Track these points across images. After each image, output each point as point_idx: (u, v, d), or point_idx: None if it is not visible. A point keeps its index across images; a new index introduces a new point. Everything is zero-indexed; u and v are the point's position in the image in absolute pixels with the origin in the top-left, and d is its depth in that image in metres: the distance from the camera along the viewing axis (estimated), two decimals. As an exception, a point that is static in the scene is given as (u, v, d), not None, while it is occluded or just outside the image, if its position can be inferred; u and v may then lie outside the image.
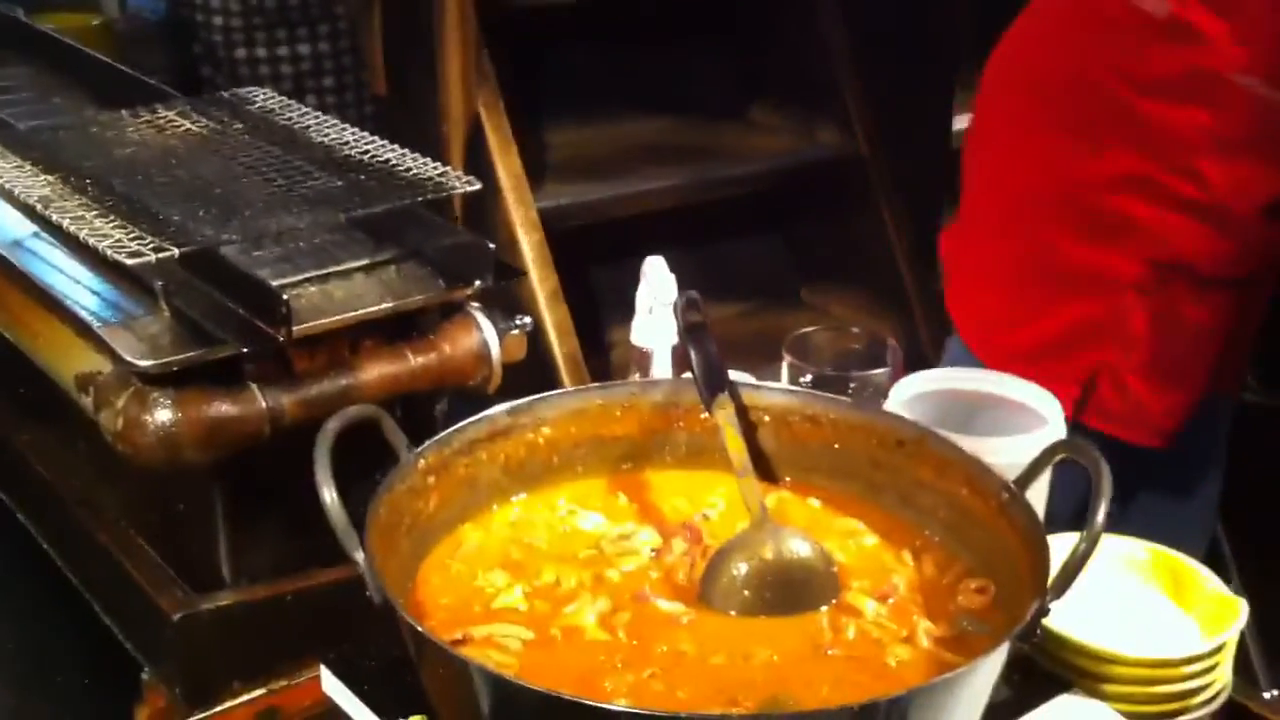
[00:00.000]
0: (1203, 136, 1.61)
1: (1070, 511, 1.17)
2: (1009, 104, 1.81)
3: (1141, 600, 1.23)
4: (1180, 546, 1.77)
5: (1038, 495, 1.20)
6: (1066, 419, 1.69)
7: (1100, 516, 0.97)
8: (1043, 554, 0.99)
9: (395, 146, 1.44)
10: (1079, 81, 1.69)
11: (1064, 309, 1.73)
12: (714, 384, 1.18)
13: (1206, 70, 1.59)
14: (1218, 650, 1.14)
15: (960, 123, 3.00)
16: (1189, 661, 1.13)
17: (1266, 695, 1.83)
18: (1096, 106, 1.66)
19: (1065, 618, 1.11)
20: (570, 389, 1.22)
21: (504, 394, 1.26)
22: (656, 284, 1.35)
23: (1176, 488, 1.83)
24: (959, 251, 1.93)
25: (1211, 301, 1.68)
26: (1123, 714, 1.12)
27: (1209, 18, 1.57)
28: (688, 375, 1.19)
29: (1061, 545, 1.01)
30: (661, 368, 1.37)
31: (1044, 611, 0.96)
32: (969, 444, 1.15)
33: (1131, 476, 1.76)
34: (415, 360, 1.25)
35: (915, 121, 3.04)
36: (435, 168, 1.39)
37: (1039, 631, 0.96)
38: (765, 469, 1.21)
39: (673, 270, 1.39)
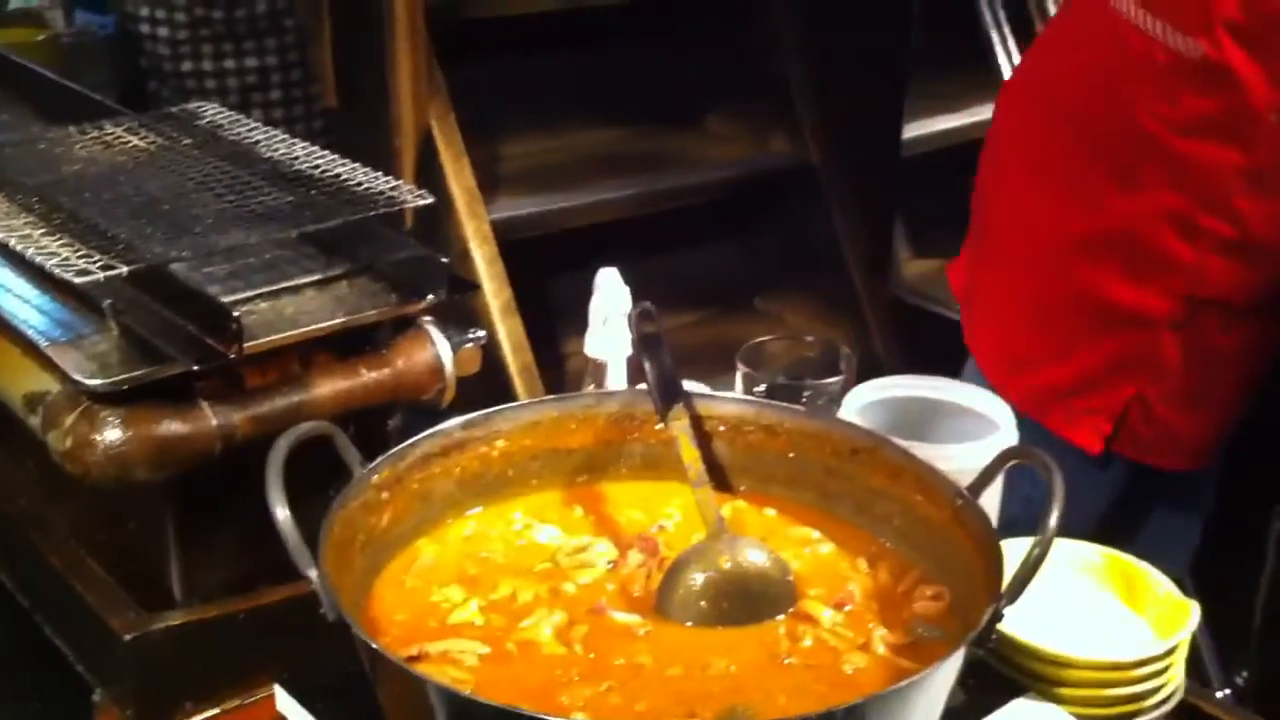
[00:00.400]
0: (1238, 175, 1.59)
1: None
2: (1030, 139, 1.79)
3: (1094, 603, 1.24)
4: (1175, 556, 1.79)
5: (991, 500, 1.21)
6: (1093, 452, 1.73)
7: (1053, 521, 0.97)
8: (996, 559, 1.00)
9: (346, 160, 1.43)
10: (1111, 119, 1.66)
11: (1096, 346, 1.71)
12: (669, 395, 1.18)
13: (1241, 110, 1.57)
14: (1170, 652, 1.15)
15: (911, 131, 3.02)
16: (1142, 664, 1.14)
17: (1219, 695, 1.85)
18: (1131, 145, 1.64)
19: (1019, 622, 1.12)
20: (525, 401, 1.22)
21: (458, 407, 1.26)
22: (610, 295, 1.35)
23: (1185, 504, 1.83)
24: (976, 286, 1.90)
25: (1241, 330, 1.68)
26: (1077, 717, 1.12)
27: (1242, 58, 1.54)
28: (642, 386, 1.19)
29: (1014, 550, 1.01)
30: (616, 379, 1.36)
31: (998, 616, 0.96)
32: (922, 451, 1.16)
33: (1147, 496, 1.78)
34: (368, 375, 1.24)
35: (867, 130, 3.06)
36: (387, 181, 1.38)
37: (994, 636, 0.97)
38: (721, 479, 1.21)
39: (626, 280, 1.39)
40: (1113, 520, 1.73)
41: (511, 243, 2.59)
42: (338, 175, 1.41)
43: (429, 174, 2.53)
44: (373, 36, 2.49)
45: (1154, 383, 1.69)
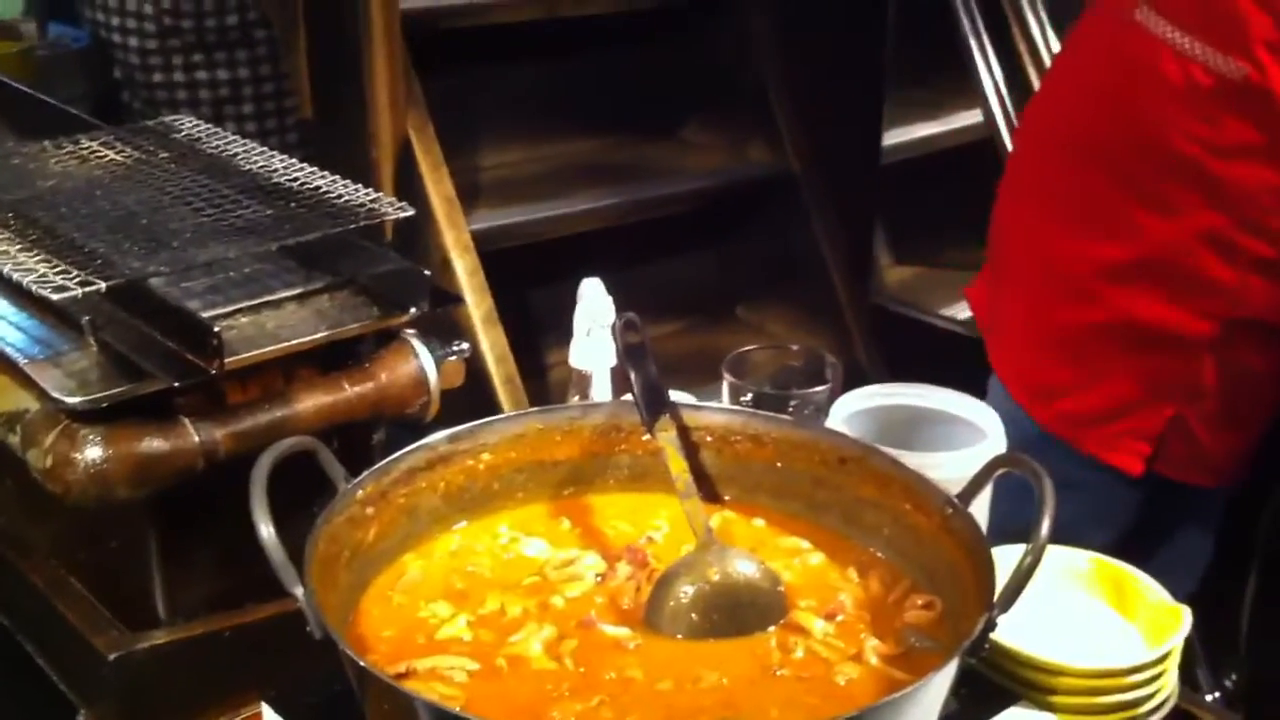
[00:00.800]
0: (1277, 195, 1.58)
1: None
2: (1052, 168, 1.77)
3: (1085, 611, 1.23)
4: (1192, 570, 1.78)
5: (980, 509, 1.21)
6: (1133, 474, 1.71)
7: (1045, 528, 0.97)
8: (988, 567, 0.99)
9: (325, 173, 1.42)
10: (1142, 144, 1.64)
11: (1132, 370, 1.70)
12: (655, 405, 1.17)
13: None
14: (1163, 659, 1.14)
15: (891, 138, 3.02)
16: (1135, 671, 1.13)
17: (1208, 699, 1.85)
18: (1165, 169, 1.62)
19: (1011, 630, 1.11)
20: (510, 414, 1.21)
21: (440, 420, 1.25)
22: (594, 306, 1.34)
23: (1206, 519, 1.83)
24: (998, 315, 1.88)
25: (1277, 349, 1.67)
26: (1071, 725, 1.12)
27: None
28: (628, 397, 1.18)
29: (1004, 558, 1.01)
30: (601, 390, 1.35)
31: (992, 625, 0.95)
32: (911, 460, 1.15)
33: (1171, 512, 1.77)
34: (351, 389, 1.23)
35: (846, 138, 3.06)
36: (367, 194, 1.37)
37: (986, 645, 0.96)
38: (708, 489, 1.20)
39: (607, 290, 1.38)
40: (1134, 537, 1.72)
41: (491, 253, 2.58)
42: (317, 188, 1.40)
43: (408, 185, 2.51)
44: (349, 47, 2.48)
45: (1192, 403, 1.68)
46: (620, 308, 1.29)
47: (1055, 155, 1.77)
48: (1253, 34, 1.53)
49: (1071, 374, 1.74)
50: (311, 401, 1.21)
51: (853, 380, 1.43)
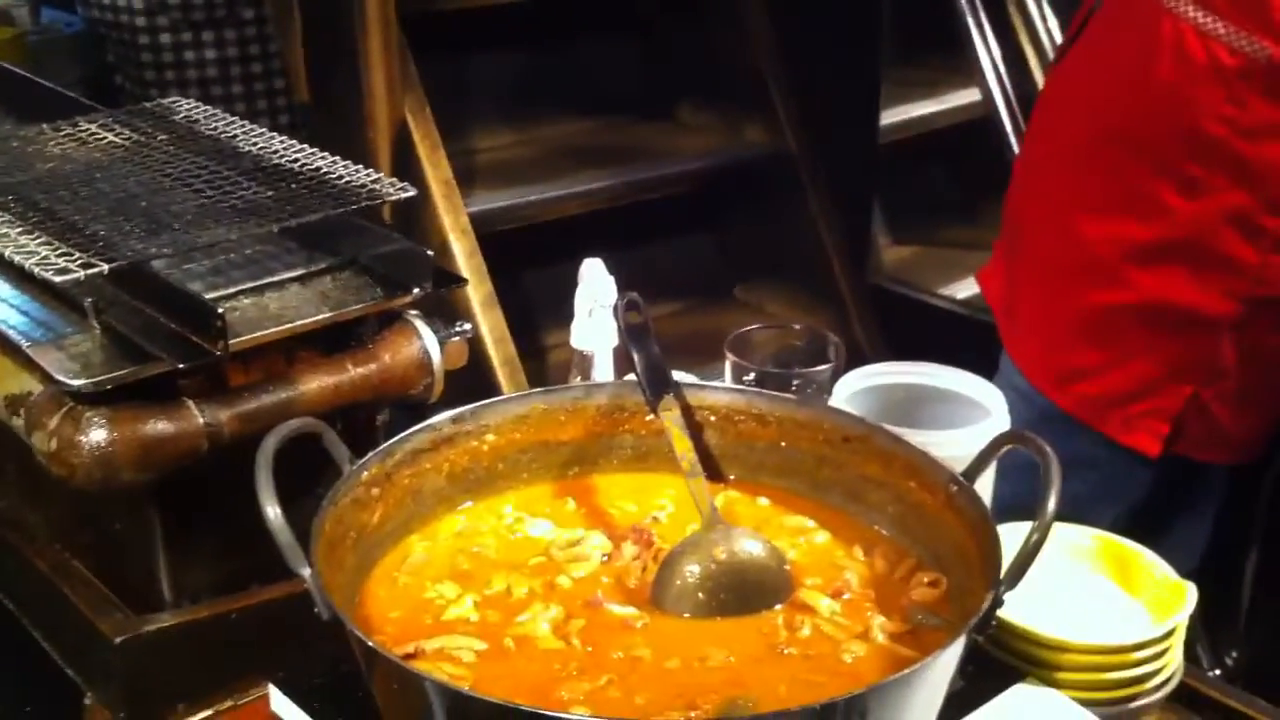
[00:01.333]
0: None
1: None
2: (1075, 150, 1.76)
3: (1090, 588, 1.23)
4: (1196, 547, 1.78)
5: (984, 486, 1.21)
6: (1151, 454, 1.71)
7: (1051, 505, 0.97)
8: (994, 545, 0.99)
9: (325, 154, 1.42)
10: (1169, 126, 1.63)
11: (1155, 351, 1.70)
12: (658, 385, 1.17)
13: None
14: (1168, 635, 1.15)
15: (888, 117, 3.02)
16: (1140, 647, 1.13)
17: (1210, 675, 1.85)
18: (1194, 150, 1.61)
19: (1016, 607, 1.11)
20: (514, 394, 1.21)
21: (444, 402, 1.25)
22: (595, 286, 1.33)
23: (1214, 497, 1.83)
24: (1017, 299, 1.86)
25: None
26: (1077, 701, 1.12)
27: None
28: (631, 377, 1.18)
29: (1010, 536, 1.01)
30: (603, 370, 1.35)
31: (999, 603, 0.96)
32: (915, 438, 1.15)
33: (1185, 491, 1.77)
34: (355, 371, 1.23)
35: (843, 118, 3.05)
36: (368, 174, 1.36)
37: (993, 622, 0.96)
38: (712, 469, 1.21)
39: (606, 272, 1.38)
40: (1143, 515, 1.73)
41: (489, 235, 2.57)
42: (317, 169, 1.39)
43: (405, 168, 2.51)
44: (344, 31, 2.47)
45: (1210, 382, 1.69)
46: (620, 289, 1.29)
47: (1078, 137, 1.76)
48: (1275, 14, 1.52)
49: (1094, 356, 1.74)
50: (315, 383, 1.20)
51: (853, 360, 1.43)
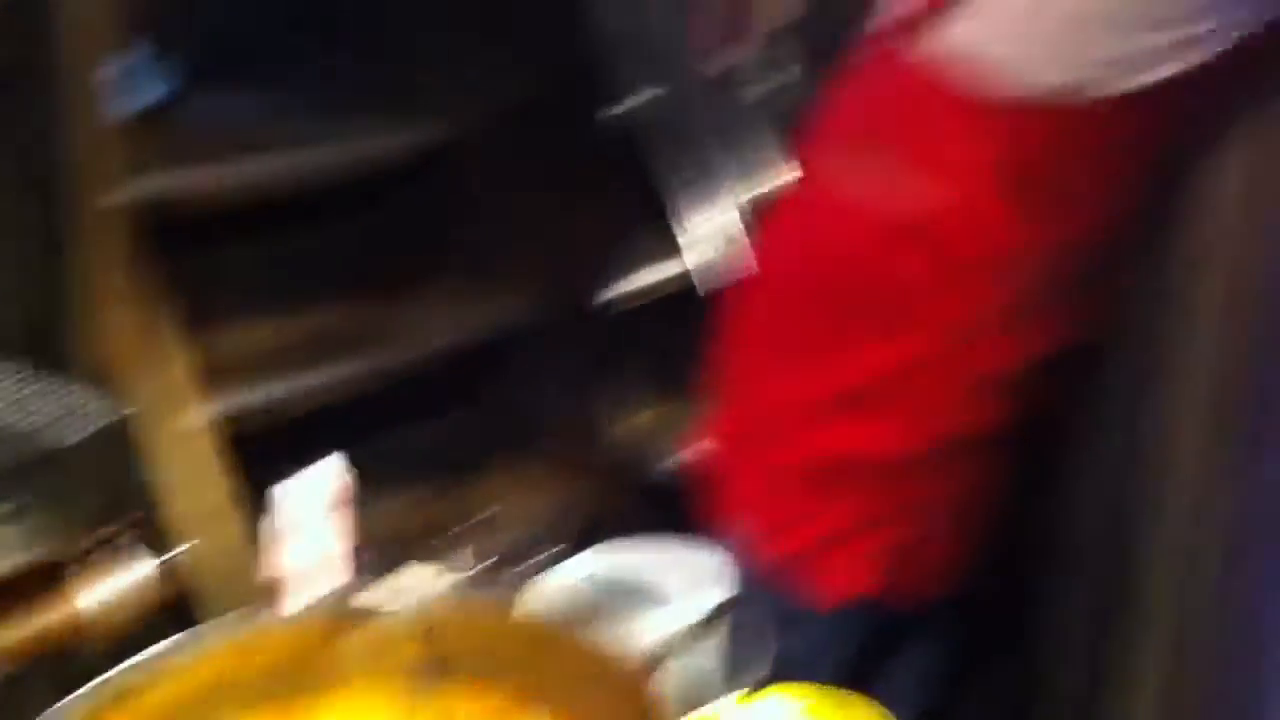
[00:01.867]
0: (995, 314, 1.63)
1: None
2: (774, 305, 1.80)
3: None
4: (928, 690, 1.81)
5: (707, 656, 1.23)
6: (860, 599, 1.69)
7: (753, 676, 0.99)
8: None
9: (37, 380, 1.39)
10: (853, 277, 1.68)
11: (856, 498, 1.72)
12: (364, 595, 1.17)
13: (996, 252, 1.59)
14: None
15: (620, 287, 3.08)
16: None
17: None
18: (877, 298, 1.67)
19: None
20: (222, 619, 1.19)
21: (151, 635, 1.22)
22: (305, 498, 1.33)
23: (934, 633, 1.86)
24: (722, 451, 1.87)
25: (986, 462, 1.72)
26: None
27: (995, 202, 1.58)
28: (339, 592, 1.17)
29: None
30: (312, 588, 1.34)
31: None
32: (625, 625, 1.17)
33: (898, 637, 1.81)
34: (56, 615, 1.19)
35: (576, 287, 3.10)
36: (85, 398, 1.34)
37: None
38: (433, 673, 1.20)
39: (344, 464, 1.36)
40: (865, 662, 1.74)
41: (228, 436, 2.52)
42: (17, 401, 1.36)
43: (143, 372, 2.45)
44: (64, 250, 2.42)
45: (908, 525, 1.72)
46: (357, 480, 1.29)
47: (774, 295, 1.82)
48: (945, 158, 1.59)
49: (796, 509, 1.77)
50: (9, 635, 1.17)
51: (592, 536, 1.45)
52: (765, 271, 1.83)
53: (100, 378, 1.36)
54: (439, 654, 1.21)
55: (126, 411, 1.32)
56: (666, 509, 1.91)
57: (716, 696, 1.08)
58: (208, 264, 2.87)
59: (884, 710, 1.26)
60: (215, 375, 2.64)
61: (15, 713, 1.02)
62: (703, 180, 2.89)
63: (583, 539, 1.46)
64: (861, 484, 1.73)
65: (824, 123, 1.70)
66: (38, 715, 1.01)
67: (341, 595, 1.21)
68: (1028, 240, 1.59)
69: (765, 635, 1.02)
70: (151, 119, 2.78)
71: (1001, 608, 1.92)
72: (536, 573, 1.41)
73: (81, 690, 1.07)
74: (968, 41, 1.53)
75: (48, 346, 2.50)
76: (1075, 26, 1.48)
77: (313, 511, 1.32)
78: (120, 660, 1.12)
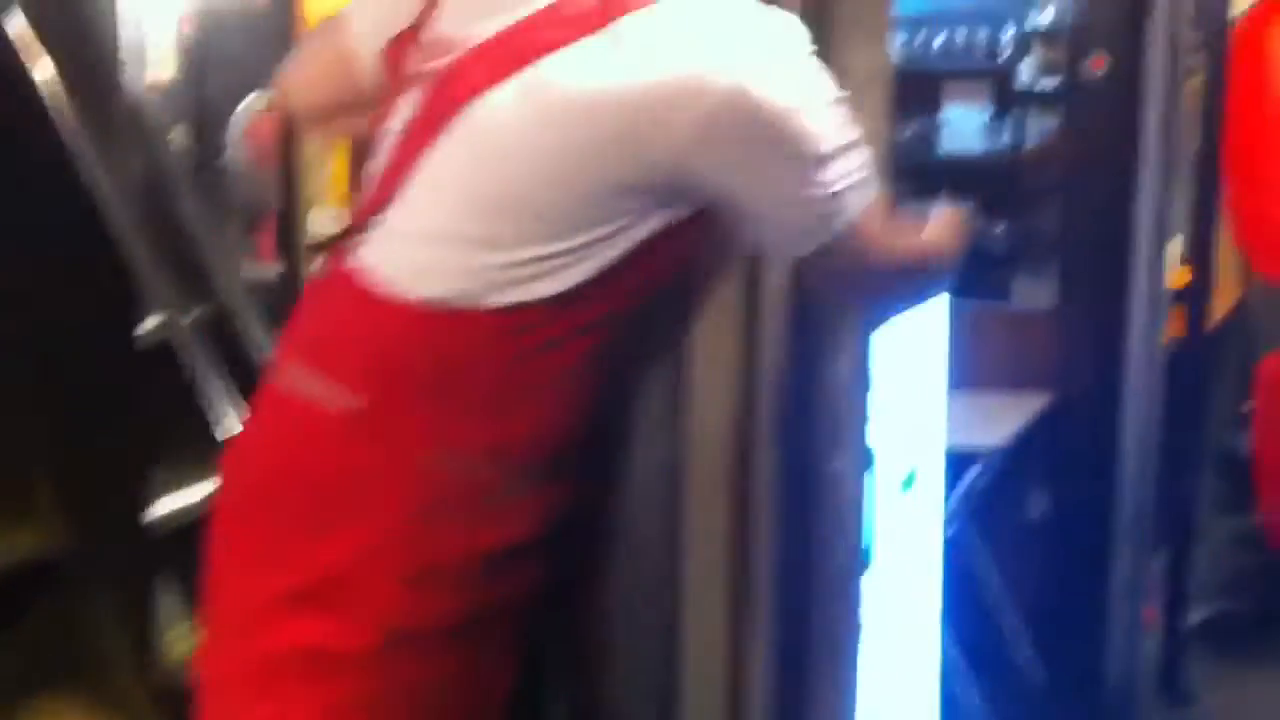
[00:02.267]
0: (435, 507, 1.66)
1: None
2: (235, 514, 1.80)
3: None
4: None
5: None
6: None
7: None
8: None
9: None
10: (292, 478, 1.70)
11: (307, 698, 1.69)
12: None
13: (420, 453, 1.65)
14: None
15: (161, 507, 2.96)
16: None
17: None
18: (317, 496, 1.68)
19: None
20: None
21: None
22: None
23: None
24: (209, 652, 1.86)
25: (440, 656, 1.69)
26: None
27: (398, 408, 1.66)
28: None
29: None
30: None
31: None
32: None
33: None
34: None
35: (126, 509, 2.96)
36: None
37: None
38: None
39: None
40: None
41: None
42: None
43: None
44: None
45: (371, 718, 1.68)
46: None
47: (246, 492, 1.80)
48: (354, 364, 1.66)
49: (259, 714, 1.72)
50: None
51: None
52: (241, 467, 1.81)
53: None
54: None
55: None
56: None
57: None
58: None
59: None
60: None
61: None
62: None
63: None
64: (318, 678, 1.68)
65: (291, 325, 1.78)
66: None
67: None
68: (458, 437, 1.63)
69: None
70: None
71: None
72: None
73: None
74: (373, 256, 1.65)
75: None
76: (450, 245, 1.59)
77: None
78: None
